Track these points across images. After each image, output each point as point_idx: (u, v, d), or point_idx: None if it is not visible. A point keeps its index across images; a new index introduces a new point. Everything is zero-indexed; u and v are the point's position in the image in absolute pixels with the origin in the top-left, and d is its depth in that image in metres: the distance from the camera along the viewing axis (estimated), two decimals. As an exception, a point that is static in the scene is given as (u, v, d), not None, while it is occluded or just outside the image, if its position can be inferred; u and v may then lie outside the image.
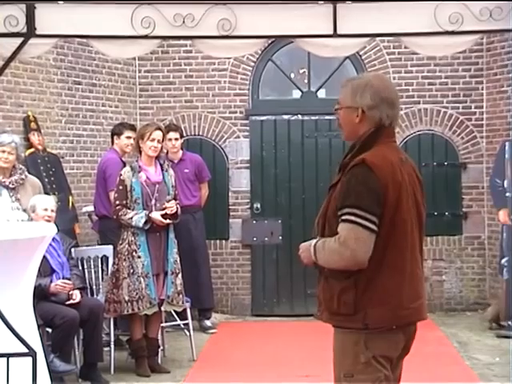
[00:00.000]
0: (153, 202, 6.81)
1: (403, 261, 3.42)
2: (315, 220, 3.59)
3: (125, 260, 6.75)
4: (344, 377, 3.40)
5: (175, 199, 6.95)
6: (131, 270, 6.72)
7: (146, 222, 6.70)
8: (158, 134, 6.87)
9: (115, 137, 8.00)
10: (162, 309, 6.92)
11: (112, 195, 7.17)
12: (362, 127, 3.52)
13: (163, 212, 6.77)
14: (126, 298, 6.72)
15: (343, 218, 3.33)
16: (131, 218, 6.72)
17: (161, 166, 6.98)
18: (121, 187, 6.82)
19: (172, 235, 6.92)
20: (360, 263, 3.31)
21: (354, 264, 3.32)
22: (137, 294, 6.70)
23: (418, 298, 3.49)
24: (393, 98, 3.61)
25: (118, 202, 6.81)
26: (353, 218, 3.30)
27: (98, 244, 7.95)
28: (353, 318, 3.36)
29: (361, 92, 3.51)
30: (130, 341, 6.98)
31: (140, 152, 6.92)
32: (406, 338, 3.52)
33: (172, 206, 6.82)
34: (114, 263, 6.95)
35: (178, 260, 6.93)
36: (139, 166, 6.85)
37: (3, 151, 6.66)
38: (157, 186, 6.86)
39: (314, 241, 3.46)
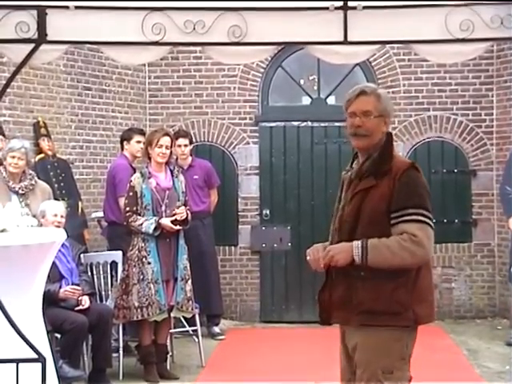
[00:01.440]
0: (163, 208, 6.81)
1: (431, 260, 3.68)
2: (336, 223, 3.64)
3: (135, 266, 6.75)
4: (383, 373, 3.51)
5: (185, 205, 6.96)
6: (141, 276, 6.72)
7: (156, 229, 6.70)
8: (166, 140, 6.87)
9: (125, 142, 8.00)
10: (172, 315, 6.92)
11: (122, 201, 7.18)
12: (382, 135, 3.63)
13: (173, 218, 6.77)
14: (136, 304, 6.71)
15: (408, 218, 3.47)
16: (141, 224, 6.72)
17: (171, 171, 6.98)
18: (131, 193, 6.82)
19: (182, 241, 6.92)
20: (428, 260, 3.54)
21: (424, 261, 3.53)
22: (146, 300, 6.70)
23: None
24: None
25: (128, 209, 6.81)
26: (421, 218, 3.48)
27: (107, 250, 7.95)
28: (402, 316, 3.51)
29: (388, 101, 3.71)
30: (139, 347, 6.98)
31: (149, 158, 6.93)
32: None
33: (182, 212, 6.82)
34: (123, 269, 6.95)
35: (188, 266, 6.93)
36: (149, 173, 6.86)
37: (13, 157, 6.68)
38: (167, 192, 6.86)
39: (356, 242, 3.51)
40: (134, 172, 7.26)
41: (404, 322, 3.50)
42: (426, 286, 3.57)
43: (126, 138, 8.03)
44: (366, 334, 3.54)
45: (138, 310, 6.72)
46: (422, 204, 3.49)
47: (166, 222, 6.73)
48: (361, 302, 3.51)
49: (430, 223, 3.50)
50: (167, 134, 6.97)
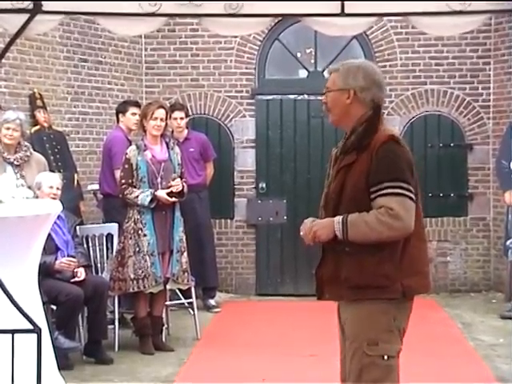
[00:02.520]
0: (158, 180, 6.80)
1: (423, 230, 3.64)
2: (323, 200, 3.64)
3: (130, 238, 6.76)
4: (368, 345, 3.50)
5: (181, 177, 6.95)
6: (137, 249, 6.73)
7: (151, 201, 6.70)
8: (160, 113, 6.85)
9: (120, 115, 7.99)
10: (168, 287, 6.93)
11: (117, 174, 7.17)
12: (354, 109, 3.65)
13: (169, 190, 6.77)
14: (132, 276, 6.73)
15: (386, 191, 3.45)
16: (137, 196, 6.72)
17: (166, 144, 6.97)
18: (126, 166, 6.81)
19: (178, 213, 6.92)
20: (409, 233, 3.47)
21: (404, 234, 3.47)
22: (142, 272, 6.72)
23: None
24: (382, 81, 3.74)
25: (123, 181, 6.81)
26: (399, 190, 3.45)
27: (103, 222, 7.95)
28: (389, 289, 3.49)
29: (353, 74, 3.65)
30: (135, 319, 7.00)
31: (144, 131, 6.91)
32: None
33: (178, 184, 6.82)
34: (119, 241, 6.96)
35: (184, 238, 6.94)
36: (145, 145, 6.84)
37: (8, 128, 6.67)
38: (162, 164, 6.85)
39: (337, 217, 3.50)
40: (130, 144, 7.24)
41: (390, 295, 3.48)
42: (417, 257, 3.55)
43: (121, 110, 8.02)
44: (355, 308, 3.55)
45: (134, 282, 6.73)
46: (398, 176, 3.45)
47: (161, 194, 6.73)
48: (348, 278, 3.51)
49: (409, 195, 3.45)
50: (162, 107, 6.95)
